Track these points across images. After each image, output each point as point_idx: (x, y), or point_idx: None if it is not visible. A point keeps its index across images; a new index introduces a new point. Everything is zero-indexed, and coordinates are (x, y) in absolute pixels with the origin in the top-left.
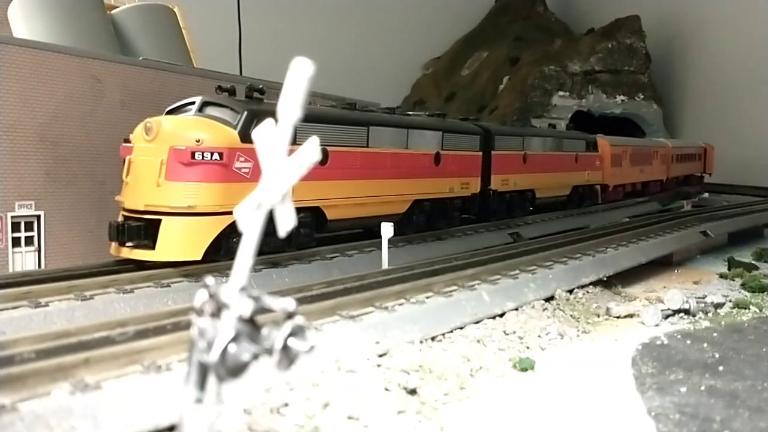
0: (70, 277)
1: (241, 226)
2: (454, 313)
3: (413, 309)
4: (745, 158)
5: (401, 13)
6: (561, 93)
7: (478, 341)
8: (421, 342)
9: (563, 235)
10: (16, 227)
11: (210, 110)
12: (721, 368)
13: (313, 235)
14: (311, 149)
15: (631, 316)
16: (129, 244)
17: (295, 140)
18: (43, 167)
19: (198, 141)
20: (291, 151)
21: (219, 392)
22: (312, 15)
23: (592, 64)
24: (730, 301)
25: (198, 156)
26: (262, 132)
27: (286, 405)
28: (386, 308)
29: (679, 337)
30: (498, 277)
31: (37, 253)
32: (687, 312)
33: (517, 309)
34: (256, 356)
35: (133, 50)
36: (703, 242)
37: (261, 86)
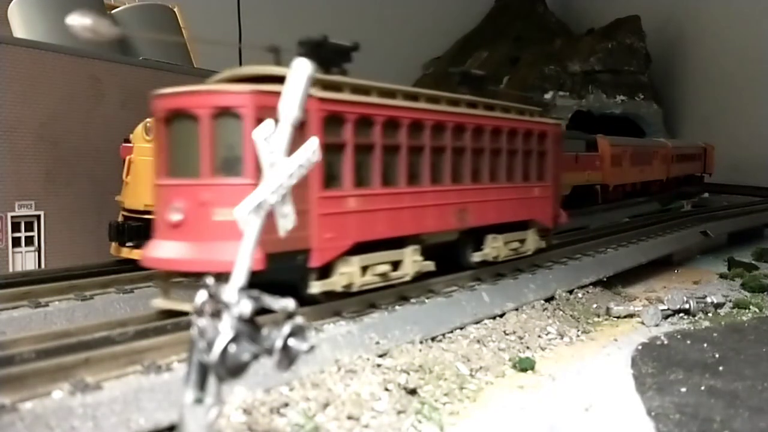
0: (70, 277)
1: (241, 226)
2: (454, 313)
3: (413, 309)
4: (745, 158)
5: (401, 13)
6: (561, 93)
7: (478, 341)
8: (421, 342)
9: (563, 235)
10: (16, 227)
11: None
12: (721, 368)
13: None
14: (311, 149)
15: (631, 316)
16: (129, 244)
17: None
18: (43, 167)
19: None
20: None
21: (219, 392)
22: (312, 15)
23: (592, 64)
24: (730, 301)
25: None
26: (262, 132)
27: (286, 405)
28: (386, 308)
29: (679, 337)
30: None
31: (37, 253)
32: (687, 312)
33: (517, 309)
34: (256, 356)
35: (133, 50)
36: (703, 242)
37: None
